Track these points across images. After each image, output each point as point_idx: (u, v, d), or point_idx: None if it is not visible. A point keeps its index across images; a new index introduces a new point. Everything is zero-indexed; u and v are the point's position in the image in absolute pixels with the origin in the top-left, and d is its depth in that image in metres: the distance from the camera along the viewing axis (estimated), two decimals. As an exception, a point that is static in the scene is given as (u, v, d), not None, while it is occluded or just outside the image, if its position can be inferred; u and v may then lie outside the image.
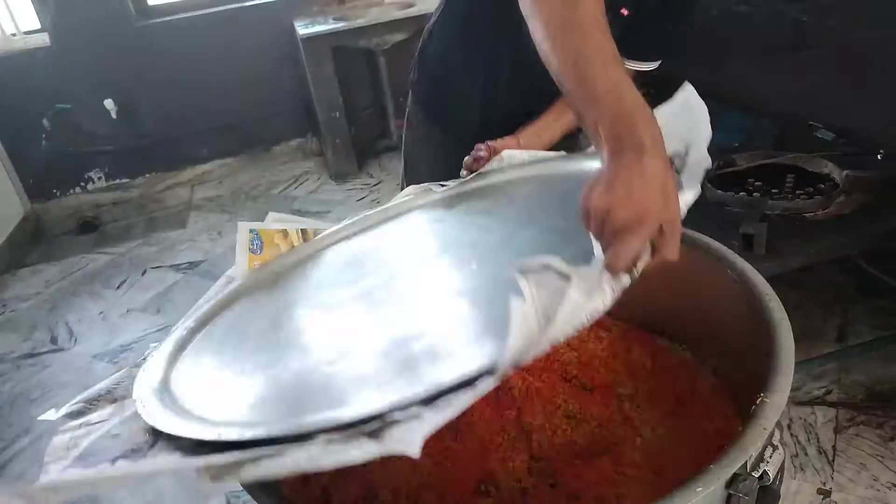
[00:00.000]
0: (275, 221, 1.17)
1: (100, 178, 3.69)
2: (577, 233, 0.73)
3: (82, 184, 3.67)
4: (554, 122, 1.25)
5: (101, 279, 3.02)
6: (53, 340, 2.60)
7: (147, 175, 3.77)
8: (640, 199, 0.63)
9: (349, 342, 0.80)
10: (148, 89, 3.55)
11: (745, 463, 0.66)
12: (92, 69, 3.40)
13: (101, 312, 2.75)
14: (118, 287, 2.93)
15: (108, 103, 3.47)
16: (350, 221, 1.18)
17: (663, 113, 0.85)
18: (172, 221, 3.51)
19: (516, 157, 1.17)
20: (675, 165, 0.78)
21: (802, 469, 1.59)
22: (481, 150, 1.20)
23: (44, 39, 3.30)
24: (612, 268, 0.62)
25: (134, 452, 0.69)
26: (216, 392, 0.78)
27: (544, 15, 0.78)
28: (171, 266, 3.05)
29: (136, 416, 0.76)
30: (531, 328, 0.55)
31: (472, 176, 1.15)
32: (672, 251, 0.65)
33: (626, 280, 0.62)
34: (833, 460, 1.60)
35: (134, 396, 0.79)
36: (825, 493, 1.52)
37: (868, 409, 1.72)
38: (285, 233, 1.13)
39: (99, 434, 0.75)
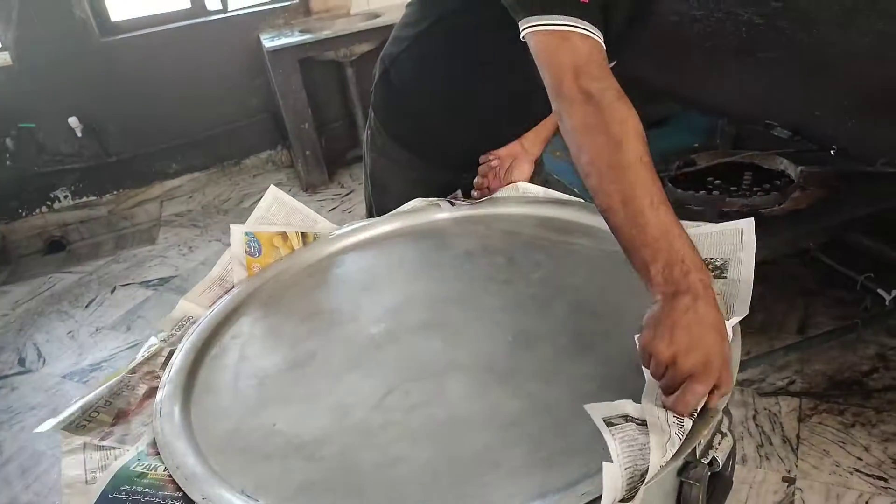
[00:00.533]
0: (274, 202, 1.13)
1: (66, 197, 3.65)
2: (607, 314, 0.82)
3: (48, 203, 3.62)
4: (548, 120, 1.26)
5: (70, 298, 2.98)
6: (21, 362, 2.56)
7: (115, 192, 3.74)
8: (703, 348, 0.66)
9: (386, 413, 0.76)
10: (113, 106, 3.52)
11: (695, 450, 0.68)
12: (55, 87, 3.36)
13: (69, 332, 2.71)
14: (87, 306, 2.90)
15: (73, 121, 3.43)
16: (351, 228, 1.15)
17: (713, 227, 0.91)
18: (142, 238, 3.48)
19: (531, 191, 1.18)
20: (716, 267, 0.84)
21: (768, 458, 1.63)
22: (492, 159, 1.20)
23: (5, 58, 3.26)
24: (678, 411, 0.66)
25: None
26: (249, 453, 0.75)
27: (589, 153, 0.78)
28: (140, 283, 3.02)
29: (156, 451, 0.76)
30: (617, 488, 0.59)
31: (485, 199, 1.16)
32: (728, 385, 0.69)
33: (689, 424, 0.66)
34: (797, 448, 1.64)
35: (155, 436, 0.78)
36: (790, 481, 1.56)
37: (829, 397, 1.77)
38: (284, 236, 1.11)
39: (118, 467, 0.74)
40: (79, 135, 3.48)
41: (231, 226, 1.05)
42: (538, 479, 0.64)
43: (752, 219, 0.89)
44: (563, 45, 0.82)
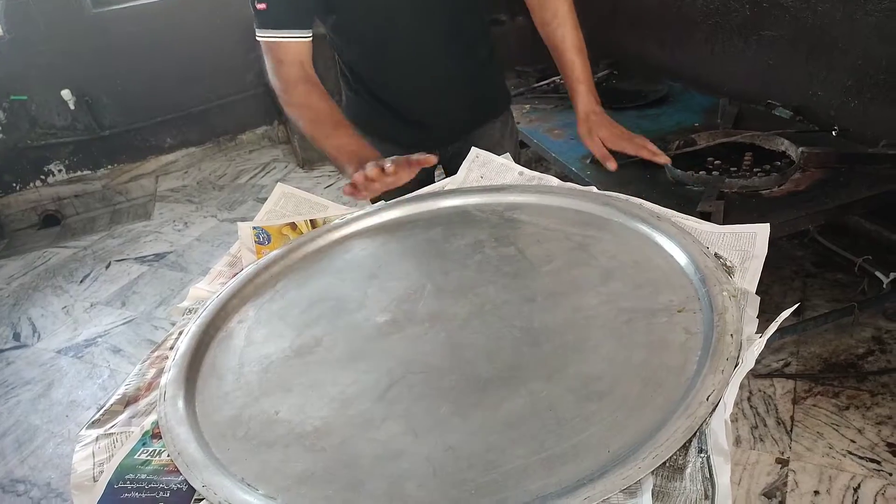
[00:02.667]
0: (282, 197, 1.14)
1: (60, 171, 3.61)
2: (617, 311, 0.82)
3: (42, 176, 3.59)
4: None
5: (65, 273, 2.97)
6: (16, 337, 2.56)
7: (109, 166, 3.70)
8: None
9: (389, 405, 0.75)
10: (107, 79, 3.47)
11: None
12: (47, 59, 3.32)
13: (64, 307, 2.70)
14: (82, 281, 2.89)
15: (66, 94, 3.39)
16: (361, 213, 1.13)
17: (729, 228, 0.90)
18: (137, 213, 3.46)
19: (548, 181, 1.15)
20: (726, 267, 0.86)
21: (762, 440, 1.63)
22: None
23: (-4, 29, 3.21)
24: None
25: None
26: (250, 440, 0.74)
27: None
28: (135, 258, 3.01)
29: (160, 434, 0.76)
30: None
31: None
32: None
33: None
34: (791, 430, 1.65)
35: (158, 421, 0.78)
36: (783, 463, 1.57)
37: (825, 379, 1.77)
38: (293, 225, 1.10)
39: (123, 455, 0.74)
40: (72, 107, 3.44)
41: (238, 223, 1.05)
42: (538, 483, 0.63)
43: (768, 225, 0.87)
44: None
